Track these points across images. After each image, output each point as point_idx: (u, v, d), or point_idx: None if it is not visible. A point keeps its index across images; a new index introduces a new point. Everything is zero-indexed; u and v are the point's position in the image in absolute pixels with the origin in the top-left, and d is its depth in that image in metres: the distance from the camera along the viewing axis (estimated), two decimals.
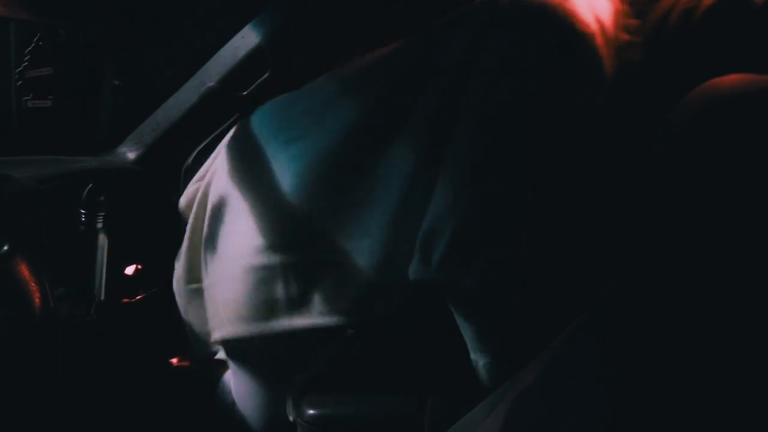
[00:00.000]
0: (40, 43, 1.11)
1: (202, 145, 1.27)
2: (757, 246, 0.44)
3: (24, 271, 0.73)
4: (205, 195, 1.17)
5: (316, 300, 1.02)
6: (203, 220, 1.16)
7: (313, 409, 0.99)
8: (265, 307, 1.05)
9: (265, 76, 1.22)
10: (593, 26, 0.91)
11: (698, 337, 0.48)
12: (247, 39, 1.22)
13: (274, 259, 1.04)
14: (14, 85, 1.40)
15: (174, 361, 1.28)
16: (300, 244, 1.04)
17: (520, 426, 0.57)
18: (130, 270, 1.22)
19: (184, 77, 1.27)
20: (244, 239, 1.07)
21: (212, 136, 1.27)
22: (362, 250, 0.99)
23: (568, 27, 0.90)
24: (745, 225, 0.44)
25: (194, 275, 1.18)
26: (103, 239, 1.09)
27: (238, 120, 1.20)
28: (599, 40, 0.90)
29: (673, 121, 0.48)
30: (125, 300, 1.18)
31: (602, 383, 0.52)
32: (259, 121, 1.14)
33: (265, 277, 1.04)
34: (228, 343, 1.13)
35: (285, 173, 1.05)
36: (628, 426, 0.49)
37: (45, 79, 1.14)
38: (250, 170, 1.10)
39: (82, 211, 1.09)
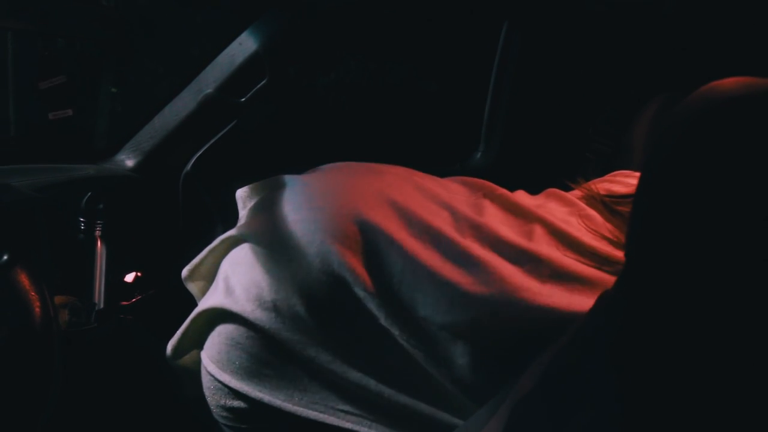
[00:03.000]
0: (46, 53, 1.10)
1: (201, 151, 1.28)
2: (758, 248, 0.44)
3: (24, 280, 0.73)
4: None
5: None
6: None
7: None
8: None
9: (263, 82, 1.23)
10: None
11: (700, 341, 0.48)
12: (244, 45, 1.22)
13: None
14: (12, 94, 1.40)
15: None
16: None
17: (523, 429, 0.57)
18: (129, 277, 1.22)
19: (182, 84, 1.27)
20: None
21: (210, 142, 1.27)
22: None
23: None
24: (746, 227, 0.44)
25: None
26: (102, 247, 1.09)
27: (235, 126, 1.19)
28: None
29: (672, 123, 0.48)
30: (123, 303, 1.18)
31: (605, 386, 0.52)
32: None
33: None
34: None
35: None
36: (632, 428, 0.49)
37: (60, 89, 1.12)
38: None
39: (81, 219, 1.09)
